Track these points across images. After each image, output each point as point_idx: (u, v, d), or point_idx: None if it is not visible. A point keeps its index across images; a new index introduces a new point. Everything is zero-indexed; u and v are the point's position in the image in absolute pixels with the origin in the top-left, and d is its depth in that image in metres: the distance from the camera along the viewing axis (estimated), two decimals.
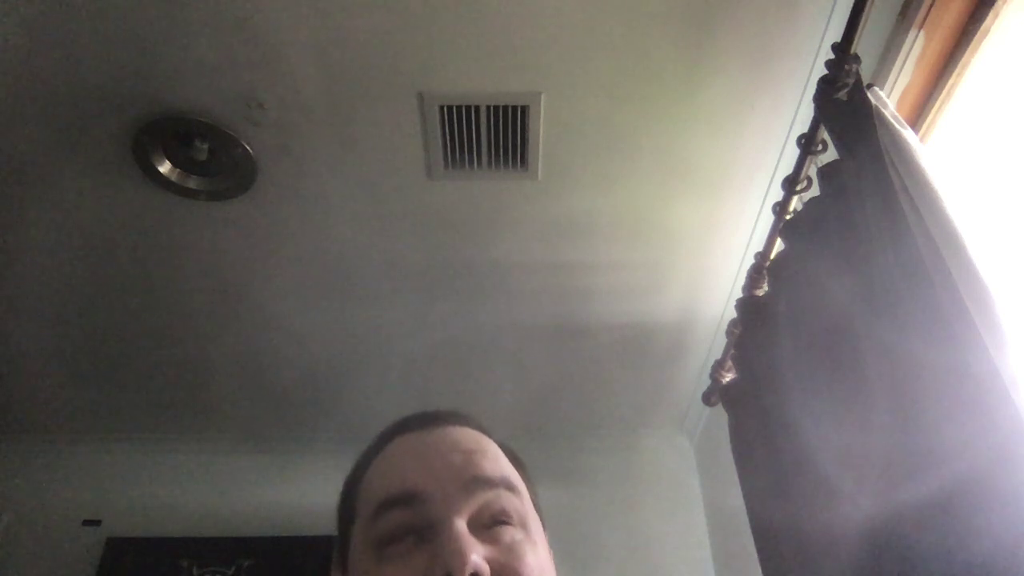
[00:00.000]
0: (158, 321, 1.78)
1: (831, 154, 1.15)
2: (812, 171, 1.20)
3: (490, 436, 0.63)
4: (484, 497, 0.54)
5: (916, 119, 1.15)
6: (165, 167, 1.40)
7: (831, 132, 1.10)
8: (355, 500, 0.59)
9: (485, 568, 0.48)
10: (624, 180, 1.46)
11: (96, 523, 2.00)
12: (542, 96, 1.30)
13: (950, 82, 1.08)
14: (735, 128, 1.36)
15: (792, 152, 1.27)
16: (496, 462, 0.58)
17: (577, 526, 1.96)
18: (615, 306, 1.77)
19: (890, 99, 1.11)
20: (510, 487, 0.57)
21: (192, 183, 1.43)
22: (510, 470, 0.59)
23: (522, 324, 1.82)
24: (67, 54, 1.21)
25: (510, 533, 0.54)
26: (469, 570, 0.47)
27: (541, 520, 0.61)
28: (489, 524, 0.53)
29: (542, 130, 1.35)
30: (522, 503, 0.57)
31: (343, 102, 1.31)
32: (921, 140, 1.12)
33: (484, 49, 1.23)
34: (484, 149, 1.39)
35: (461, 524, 0.51)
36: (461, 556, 0.48)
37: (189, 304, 1.74)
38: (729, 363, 1.49)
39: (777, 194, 1.29)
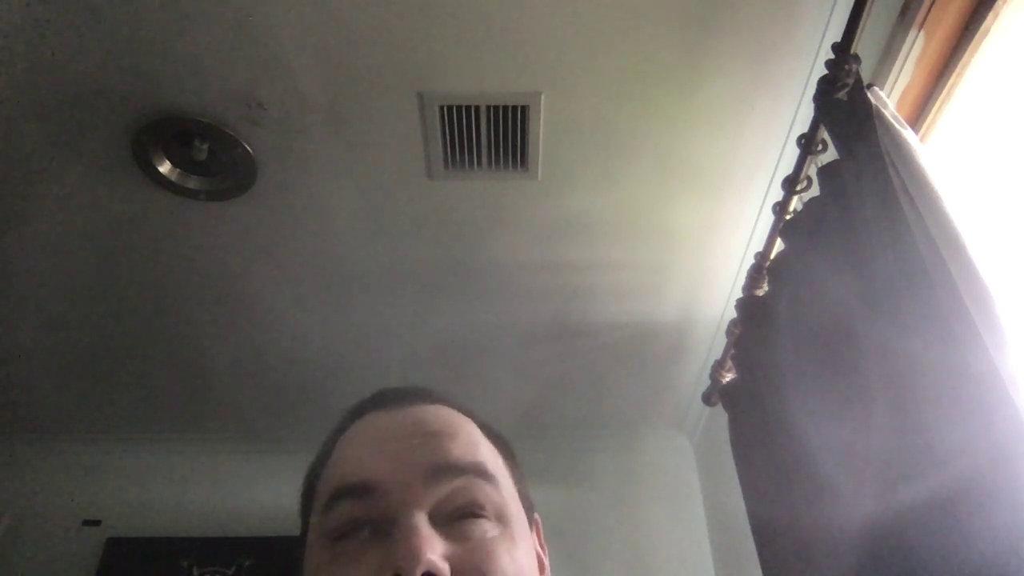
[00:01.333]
0: (158, 321, 1.78)
1: (831, 154, 1.14)
2: (812, 171, 1.20)
3: (470, 416, 0.57)
4: (450, 486, 0.48)
5: (916, 119, 1.15)
6: (165, 167, 1.40)
7: (831, 132, 1.10)
8: (315, 488, 0.54)
9: (444, 569, 0.43)
10: (624, 180, 1.46)
11: (96, 523, 2.00)
12: (542, 96, 1.30)
13: (950, 82, 1.08)
14: (735, 128, 1.36)
15: (792, 152, 1.27)
16: (469, 446, 0.52)
17: (577, 526, 1.95)
18: (615, 306, 1.76)
19: (890, 99, 1.11)
20: (482, 474, 0.50)
21: (192, 183, 1.43)
22: (487, 455, 0.52)
23: (522, 324, 1.82)
24: (67, 54, 1.20)
25: (481, 528, 0.47)
26: (421, 570, 0.41)
27: (530, 514, 0.55)
28: (456, 517, 0.47)
29: (542, 130, 1.35)
30: (499, 493, 0.50)
31: (343, 102, 1.31)
32: (921, 140, 1.12)
33: (484, 49, 1.23)
34: (484, 149, 1.39)
35: (420, 518, 0.45)
36: (413, 555, 0.42)
37: (189, 304, 1.74)
38: (729, 363, 1.49)
39: (777, 194, 1.29)
